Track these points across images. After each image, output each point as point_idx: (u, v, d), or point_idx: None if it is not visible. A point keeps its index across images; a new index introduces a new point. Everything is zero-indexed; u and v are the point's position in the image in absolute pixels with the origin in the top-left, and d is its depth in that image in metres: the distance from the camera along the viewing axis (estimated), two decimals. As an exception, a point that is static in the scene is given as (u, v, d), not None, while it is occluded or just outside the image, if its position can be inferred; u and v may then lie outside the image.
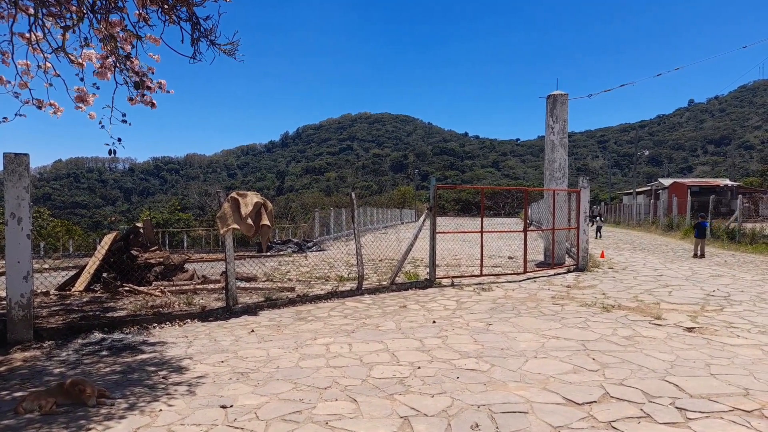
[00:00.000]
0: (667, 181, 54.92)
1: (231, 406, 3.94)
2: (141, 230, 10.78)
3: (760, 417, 3.68)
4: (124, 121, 6.35)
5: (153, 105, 6.52)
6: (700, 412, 3.77)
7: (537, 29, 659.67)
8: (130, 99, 6.37)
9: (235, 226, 7.57)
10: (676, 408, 3.85)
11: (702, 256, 16.06)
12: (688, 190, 36.39)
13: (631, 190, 58.12)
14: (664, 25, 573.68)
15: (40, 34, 5.69)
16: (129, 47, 5.98)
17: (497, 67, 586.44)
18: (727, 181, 53.86)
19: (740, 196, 23.91)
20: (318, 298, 8.53)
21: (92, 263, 9.69)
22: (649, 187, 59.20)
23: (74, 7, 5.49)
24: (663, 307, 7.89)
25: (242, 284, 9.41)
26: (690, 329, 6.39)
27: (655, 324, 6.69)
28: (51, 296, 8.76)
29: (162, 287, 9.02)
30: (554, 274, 11.86)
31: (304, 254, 17.80)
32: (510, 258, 14.86)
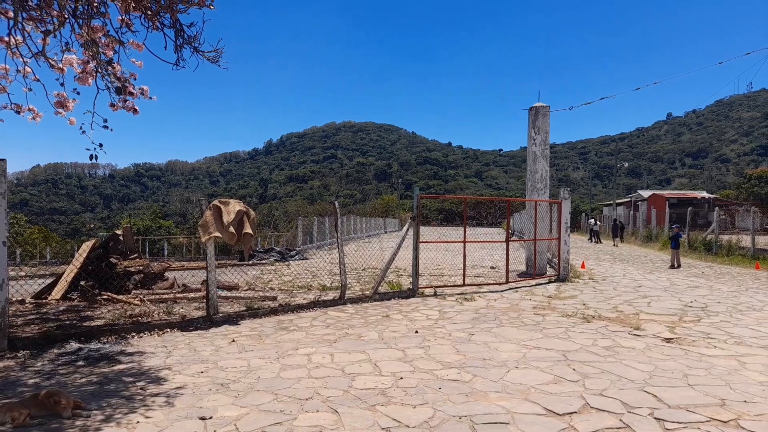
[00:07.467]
0: (646, 193, 55.88)
1: (210, 417, 3.88)
2: (120, 237, 10.64)
3: (736, 427, 3.74)
4: (106, 127, 6.25)
5: (135, 111, 6.45)
6: (678, 422, 3.82)
7: (520, 42, 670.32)
8: (112, 105, 6.29)
9: (217, 234, 7.50)
10: (655, 418, 3.89)
11: (679, 266, 16.39)
12: (667, 202, 37.01)
13: (611, 202, 58.94)
14: (643, 40, 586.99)
15: (19, 38, 5.59)
16: (111, 53, 5.91)
17: (481, 79, 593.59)
18: (705, 194, 55.00)
19: (717, 208, 24.40)
20: (300, 308, 8.47)
21: (70, 271, 9.51)
22: (628, 199, 60.09)
23: (55, 12, 5.42)
24: (642, 317, 8.00)
25: (223, 293, 9.30)
26: (668, 340, 6.48)
27: (634, 334, 6.77)
28: (27, 305, 8.57)
29: (141, 296, 8.89)
30: (536, 285, 11.95)
31: (286, 263, 17.69)
32: (492, 268, 14.95)
